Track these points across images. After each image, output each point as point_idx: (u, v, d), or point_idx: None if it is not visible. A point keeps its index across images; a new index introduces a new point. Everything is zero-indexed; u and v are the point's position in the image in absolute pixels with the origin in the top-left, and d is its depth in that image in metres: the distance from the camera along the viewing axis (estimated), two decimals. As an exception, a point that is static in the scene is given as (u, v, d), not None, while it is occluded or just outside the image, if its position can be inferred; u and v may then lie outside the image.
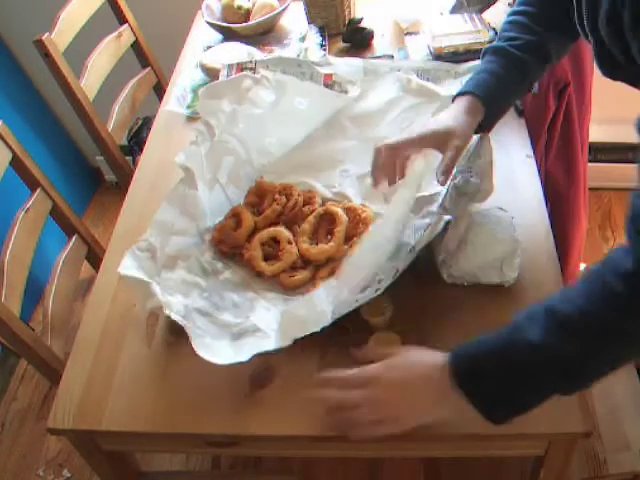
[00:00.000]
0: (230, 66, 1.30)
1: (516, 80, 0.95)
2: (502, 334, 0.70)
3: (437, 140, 0.92)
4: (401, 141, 0.93)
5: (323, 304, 0.86)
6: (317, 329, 0.84)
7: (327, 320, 0.84)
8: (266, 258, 1.02)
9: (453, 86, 1.22)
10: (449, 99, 1.02)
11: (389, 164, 0.94)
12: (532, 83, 0.98)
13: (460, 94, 0.95)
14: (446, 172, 0.90)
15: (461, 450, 0.92)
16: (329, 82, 1.25)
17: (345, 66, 1.28)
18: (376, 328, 0.91)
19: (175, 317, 0.87)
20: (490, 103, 0.94)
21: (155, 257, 0.96)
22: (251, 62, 1.29)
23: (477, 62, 1.03)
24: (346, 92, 1.23)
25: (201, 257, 1.02)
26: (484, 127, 0.96)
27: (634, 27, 0.59)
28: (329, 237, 1.02)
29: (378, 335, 0.89)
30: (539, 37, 0.94)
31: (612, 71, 0.71)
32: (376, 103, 1.19)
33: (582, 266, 1.58)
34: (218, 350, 0.87)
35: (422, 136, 0.93)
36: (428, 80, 1.23)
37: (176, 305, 0.90)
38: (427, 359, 0.75)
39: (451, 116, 0.93)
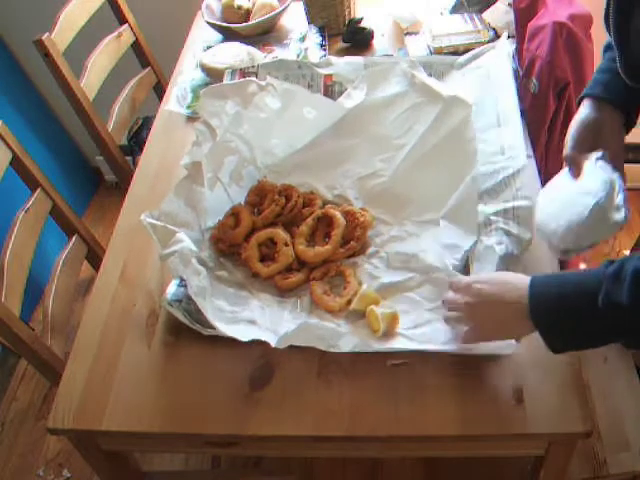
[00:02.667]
0: (233, 72, 1.30)
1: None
2: (586, 285, 0.71)
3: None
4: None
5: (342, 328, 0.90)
6: (324, 348, 0.87)
7: (338, 348, 0.87)
8: (263, 259, 1.02)
9: (456, 82, 1.22)
10: (452, 100, 1.02)
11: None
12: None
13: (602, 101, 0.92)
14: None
15: (461, 450, 0.92)
16: (329, 83, 1.25)
17: (346, 65, 1.28)
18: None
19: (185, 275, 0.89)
20: (631, 109, 0.91)
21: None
22: (253, 67, 1.29)
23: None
24: (346, 90, 1.22)
25: (200, 253, 1.02)
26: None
27: None
28: (326, 240, 1.02)
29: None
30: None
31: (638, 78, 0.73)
32: (380, 98, 1.19)
33: (582, 266, 1.58)
34: (217, 326, 0.89)
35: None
36: (430, 75, 1.22)
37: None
38: (512, 286, 0.78)
39: (609, 132, 0.90)
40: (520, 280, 0.78)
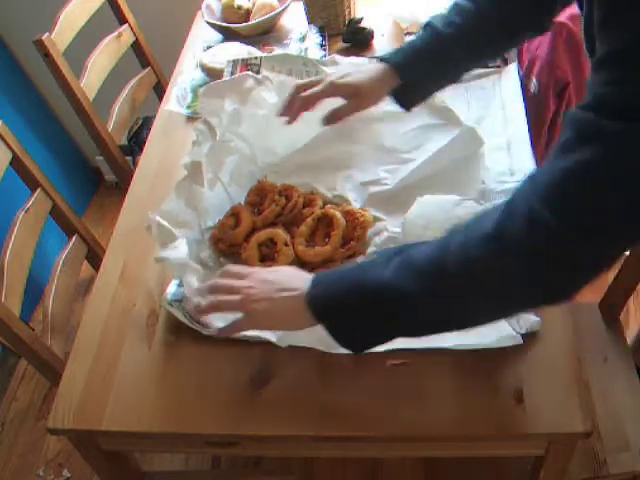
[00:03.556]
0: (235, 62, 1.28)
1: (438, 58, 0.96)
2: (356, 270, 0.76)
3: (346, 91, 0.98)
4: (316, 90, 0.99)
5: None
6: (325, 349, 0.87)
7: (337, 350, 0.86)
8: (263, 259, 1.02)
9: (458, 94, 1.23)
10: (470, 131, 1.04)
11: (302, 107, 1.00)
12: (463, 66, 0.99)
13: (378, 60, 0.98)
14: (332, 119, 0.99)
15: (461, 450, 0.93)
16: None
17: (350, 65, 1.28)
18: None
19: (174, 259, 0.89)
20: (405, 73, 0.96)
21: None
22: (256, 59, 1.28)
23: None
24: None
25: (200, 253, 1.02)
26: (403, 101, 0.99)
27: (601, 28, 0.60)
28: (326, 240, 1.02)
29: None
30: (479, 21, 0.94)
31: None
32: (393, 110, 1.20)
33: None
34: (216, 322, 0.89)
35: (335, 85, 0.98)
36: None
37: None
38: (295, 279, 0.79)
39: (367, 77, 0.98)
40: (305, 274, 0.79)
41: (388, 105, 1.21)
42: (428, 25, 0.96)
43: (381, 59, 0.97)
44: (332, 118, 1.00)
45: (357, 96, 0.98)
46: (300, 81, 1.02)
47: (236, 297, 0.79)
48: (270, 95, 1.12)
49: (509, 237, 0.63)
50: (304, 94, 0.99)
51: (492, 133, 1.09)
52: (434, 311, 0.71)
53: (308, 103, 0.99)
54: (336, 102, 1.09)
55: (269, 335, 0.88)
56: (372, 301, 0.72)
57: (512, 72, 1.26)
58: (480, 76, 1.27)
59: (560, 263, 0.64)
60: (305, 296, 0.75)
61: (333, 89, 0.98)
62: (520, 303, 0.70)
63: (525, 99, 1.22)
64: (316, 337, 0.87)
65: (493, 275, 0.66)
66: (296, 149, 1.17)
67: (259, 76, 1.13)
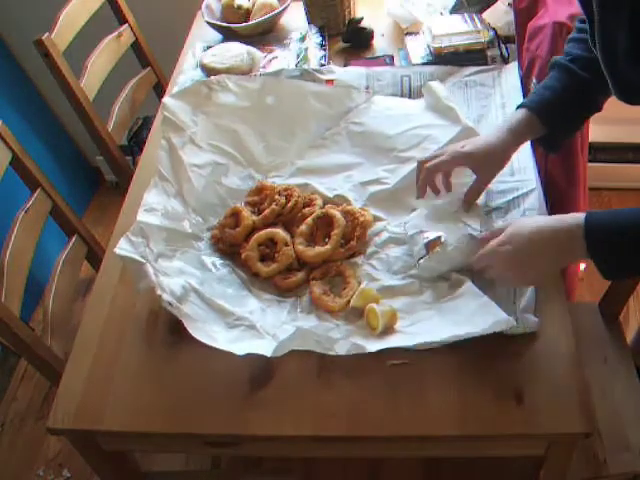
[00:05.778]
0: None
1: (576, 97, 0.96)
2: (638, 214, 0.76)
3: (474, 162, 0.97)
4: (439, 161, 0.97)
5: (334, 332, 0.90)
6: (322, 351, 0.87)
7: (334, 352, 0.87)
8: (263, 259, 1.02)
9: (457, 88, 1.23)
10: (470, 131, 1.05)
11: (430, 181, 0.99)
12: (599, 101, 0.97)
13: (518, 107, 0.97)
14: (473, 197, 0.98)
15: (461, 450, 0.92)
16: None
17: (346, 74, 1.29)
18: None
19: (166, 298, 0.88)
20: (547, 117, 0.95)
21: (149, 244, 0.98)
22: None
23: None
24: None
25: (199, 253, 1.02)
26: (548, 145, 0.99)
27: None
28: (326, 240, 1.02)
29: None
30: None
31: (632, 98, 0.75)
32: (396, 106, 1.20)
33: (582, 266, 1.58)
34: (214, 335, 0.88)
35: (458, 157, 0.97)
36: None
37: (173, 285, 0.91)
38: (557, 221, 0.81)
39: (494, 135, 0.96)
40: (561, 216, 0.81)
41: (386, 103, 1.22)
42: (558, 65, 0.96)
43: (523, 105, 0.97)
44: (470, 199, 0.99)
45: (487, 163, 0.97)
46: (421, 157, 1.02)
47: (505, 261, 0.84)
48: (227, 95, 1.17)
49: None
50: (428, 165, 0.98)
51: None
52: None
53: (432, 172, 0.98)
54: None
55: (266, 346, 0.87)
56: None
57: (512, 71, 1.27)
58: (480, 75, 1.27)
59: None
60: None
61: (462, 158, 0.97)
62: None
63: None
64: (311, 340, 0.87)
65: None
66: (296, 151, 1.17)
67: (214, 80, 1.19)
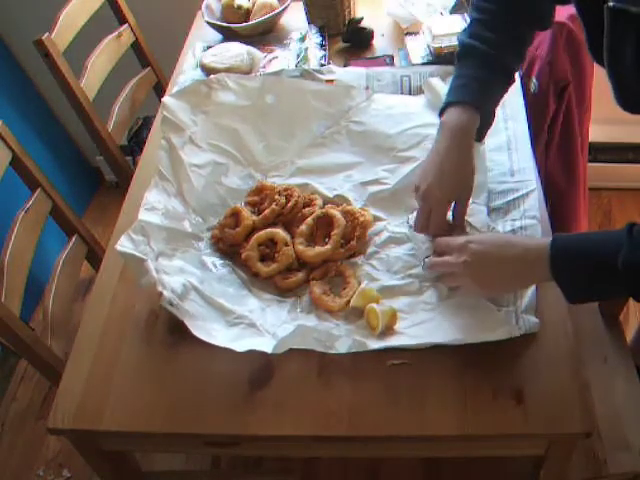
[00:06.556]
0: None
1: (500, 80, 0.97)
2: (606, 244, 0.75)
3: (457, 194, 0.95)
4: (434, 224, 0.95)
5: (335, 330, 0.90)
6: (322, 350, 0.88)
7: (335, 350, 0.88)
8: (263, 259, 1.02)
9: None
10: None
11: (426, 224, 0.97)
12: (513, 76, 0.99)
13: (453, 103, 0.95)
14: (461, 220, 0.96)
15: (461, 450, 0.92)
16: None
17: (346, 74, 1.29)
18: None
19: (167, 294, 0.88)
20: (483, 110, 0.95)
21: (150, 242, 0.97)
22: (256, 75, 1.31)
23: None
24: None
25: (199, 253, 1.02)
26: (478, 136, 0.97)
27: None
28: (326, 240, 1.02)
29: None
30: (510, 28, 0.94)
31: (636, 109, 0.76)
32: (396, 104, 1.20)
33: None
34: (214, 333, 0.88)
35: (443, 205, 0.95)
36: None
37: (174, 283, 0.91)
38: (521, 242, 0.84)
39: (452, 150, 0.93)
40: (523, 238, 0.84)
41: (386, 103, 1.22)
42: (466, 48, 0.96)
43: (461, 102, 0.94)
44: (461, 224, 0.97)
45: (462, 187, 0.95)
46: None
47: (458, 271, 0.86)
48: (226, 94, 1.16)
49: None
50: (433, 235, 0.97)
51: (492, 132, 1.09)
52: None
53: (439, 232, 0.96)
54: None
55: (266, 343, 0.88)
56: (623, 278, 0.73)
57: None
58: None
59: None
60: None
61: (447, 202, 0.95)
62: None
63: (525, 99, 1.22)
64: (312, 338, 0.87)
65: None
66: (296, 151, 1.17)
67: (213, 79, 1.18)
